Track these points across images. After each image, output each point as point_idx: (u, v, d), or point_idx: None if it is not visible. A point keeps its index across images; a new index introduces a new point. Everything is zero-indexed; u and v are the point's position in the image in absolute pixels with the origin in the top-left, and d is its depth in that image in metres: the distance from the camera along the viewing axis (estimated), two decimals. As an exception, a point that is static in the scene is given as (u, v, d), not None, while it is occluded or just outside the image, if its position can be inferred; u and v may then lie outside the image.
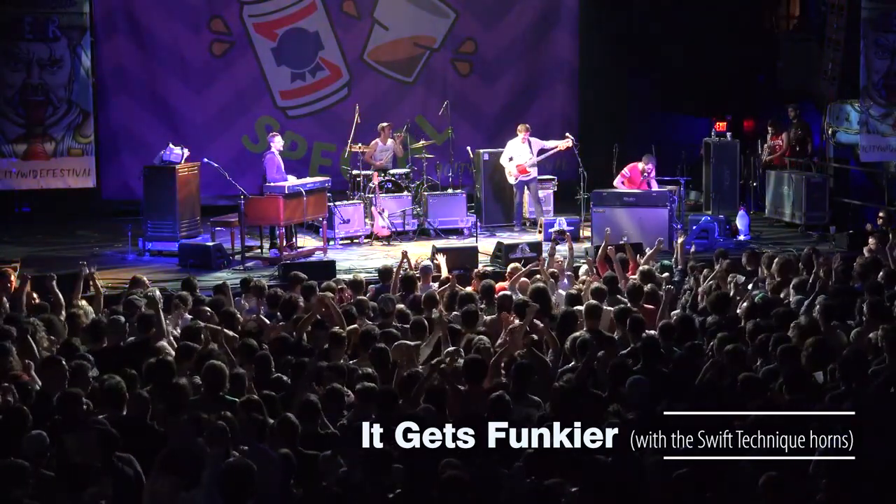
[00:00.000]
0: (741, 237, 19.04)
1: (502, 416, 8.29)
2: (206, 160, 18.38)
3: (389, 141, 20.24)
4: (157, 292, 12.21)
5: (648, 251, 14.94)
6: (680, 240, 15.21)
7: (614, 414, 8.41)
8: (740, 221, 19.30)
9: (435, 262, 14.66)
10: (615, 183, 18.82)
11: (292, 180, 18.05)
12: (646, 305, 12.04)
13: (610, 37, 23.28)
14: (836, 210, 20.14)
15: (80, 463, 7.67)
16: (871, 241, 15.48)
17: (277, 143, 18.48)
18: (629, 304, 11.93)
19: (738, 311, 11.86)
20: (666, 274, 14.07)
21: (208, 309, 11.84)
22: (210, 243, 17.47)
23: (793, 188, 20.22)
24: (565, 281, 13.87)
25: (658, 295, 12.23)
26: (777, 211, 20.53)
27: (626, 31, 23.43)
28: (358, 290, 13.09)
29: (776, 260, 13.63)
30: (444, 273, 14.23)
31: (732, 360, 9.63)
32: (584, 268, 14.48)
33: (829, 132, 21.36)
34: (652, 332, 10.85)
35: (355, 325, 11.30)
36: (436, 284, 13.39)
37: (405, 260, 14.54)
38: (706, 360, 9.93)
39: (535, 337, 10.48)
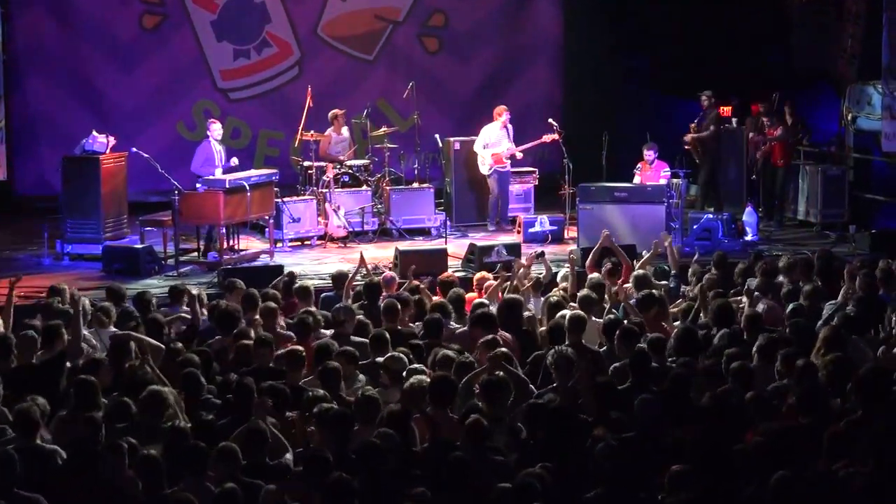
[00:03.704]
0: (748, 237, 19.07)
1: (479, 443, 8.33)
2: (134, 150, 18.24)
3: (345, 130, 20.18)
4: (87, 302, 12.16)
5: (645, 254, 14.91)
6: (666, 242, 15.08)
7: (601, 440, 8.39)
8: (747, 220, 19.32)
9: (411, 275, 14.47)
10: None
11: (218, 173, 17.90)
12: (652, 317, 12.09)
13: (599, 9, 23.26)
14: (856, 206, 20.20)
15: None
16: None
17: (215, 131, 18.41)
18: (632, 316, 11.94)
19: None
20: (664, 282, 14.06)
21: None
22: (139, 246, 17.36)
23: (807, 182, 20.28)
24: (540, 299, 13.73)
25: (664, 303, 12.29)
26: (788, 208, 20.59)
27: (617, 2, 23.42)
28: (306, 298, 13.02)
29: (781, 263, 13.68)
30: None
31: (738, 378, 9.62)
32: (563, 272, 14.44)
33: (849, 118, 21.33)
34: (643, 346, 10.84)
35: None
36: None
37: (363, 265, 14.51)
38: (709, 378, 9.89)
39: (506, 350, 10.46)
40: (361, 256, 14.83)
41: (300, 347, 10.75)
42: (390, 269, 15.66)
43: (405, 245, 17.76)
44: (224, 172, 17.96)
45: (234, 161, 18.32)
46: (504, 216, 20.01)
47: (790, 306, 12.22)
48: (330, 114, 20.11)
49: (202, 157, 18.20)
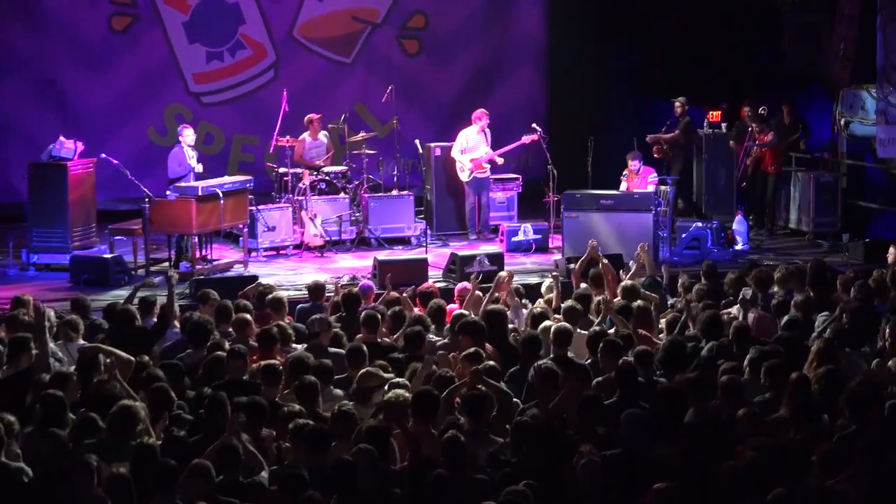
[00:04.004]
0: (739, 247, 19.11)
1: (459, 460, 8.31)
2: (103, 156, 18.21)
3: (322, 135, 20.17)
4: (52, 313, 12.13)
5: (632, 264, 14.92)
6: (640, 250, 15.03)
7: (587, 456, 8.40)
8: (737, 229, 19.37)
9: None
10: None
11: (194, 171, 17.90)
12: (639, 329, 12.12)
13: (584, 9, 23.32)
14: (849, 215, 20.24)
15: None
16: (891, 251, 15.56)
17: (187, 136, 18.35)
18: (621, 328, 11.97)
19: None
20: (654, 295, 14.04)
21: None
22: (108, 255, 17.33)
23: (799, 189, 20.32)
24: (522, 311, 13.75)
25: (649, 314, 12.33)
26: (780, 216, 20.64)
27: (603, 2, 23.46)
28: (279, 310, 13.00)
29: (776, 274, 13.72)
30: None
31: (729, 392, 9.64)
32: (547, 283, 14.46)
33: (842, 123, 21.35)
34: (629, 359, 10.86)
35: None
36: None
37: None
38: (697, 392, 9.91)
39: (494, 364, 10.46)
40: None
41: (276, 361, 10.73)
42: (368, 278, 15.64)
43: (384, 255, 17.76)
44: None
45: (199, 167, 18.27)
46: (486, 224, 20.02)
47: (784, 318, 12.26)
48: (305, 118, 20.06)
49: (175, 161, 18.14)
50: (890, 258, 15.39)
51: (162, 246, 18.17)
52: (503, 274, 14.45)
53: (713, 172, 21.03)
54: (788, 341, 11.04)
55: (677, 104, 20.83)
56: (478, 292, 13.50)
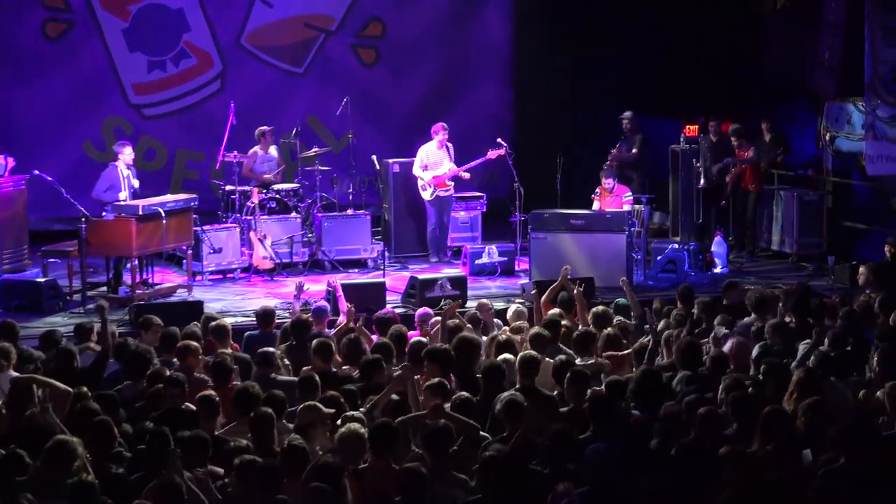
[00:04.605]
0: (717, 270, 19.18)
1: (417, 498, 8.27)
2: (36, 172, 18.16)
3: (273, 150, 20.16)
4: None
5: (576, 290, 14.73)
6: (623, 286, 14.99)
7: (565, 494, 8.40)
8: (716, 250, 19.43)
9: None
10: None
11: (123, 196, 17.85)
12: (614, 354, 12.18)
13: (554, 17, 23.42)
14: (835, 235, 20.36)
15: None
16: (862, 271, 15.66)
17: (126, 155, 18.15)
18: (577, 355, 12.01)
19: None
20: (620, 318, 14.03)
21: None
22: (41, 279, 17.28)
23: (781, 208, 20.41)
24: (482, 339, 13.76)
25: (621, 341, 12.38)
26: (761, 237, 20.73)
27: (572, 10, 23.54)
28: (223, 339, 12.96)
29: (748, 295, 13.79)
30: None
31: (706, 424, 9.67)
32: (513, 308, 14.49)
33: (827, 138, 21.46)
34: (599, 388, 10.88)
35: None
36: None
37: (297, 300, 14.57)
38: (673, 425, 9.94)
39: (465, 394, 10.47)
40: (299, 286, 14.85)
41: (213, 393, 10.69)
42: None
43: (339, 278, 17.74)
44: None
45: (135, 182, 18.15)
46: (443, 245, 20.04)
47: (756, 346, 12.29)
48: (257, 131, 20.08)
49: (106, 183, 17.91)
50: (861, 280, 15.50)
51: (99, 269, 18.12)
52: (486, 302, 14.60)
53: (690, 191, 20.94)
54: (768, 371, 11.06)
55: (625, 120, 20.95)
56: (454, 319, 13.46)
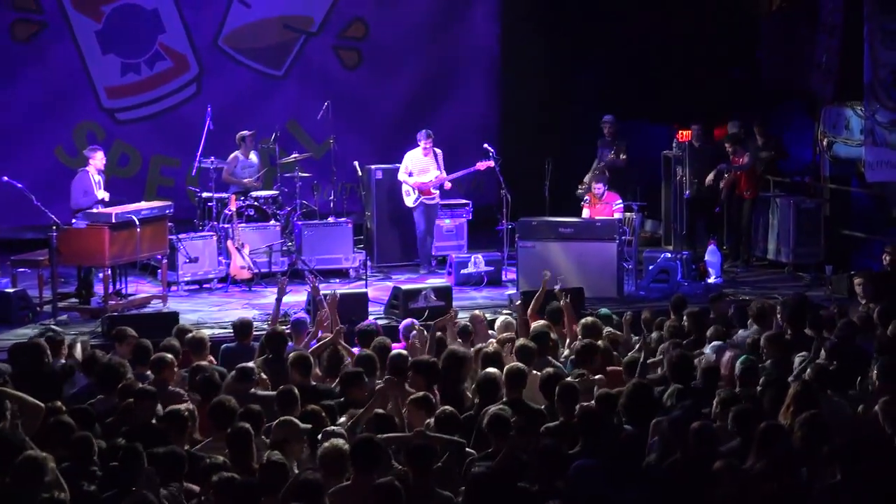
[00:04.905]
0: (711, 279, 19.18)
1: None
2: (5, 179, 18.10)
3: (253, 155, 20.17)
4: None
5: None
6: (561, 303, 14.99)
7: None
8: (710, 260, 19.43)
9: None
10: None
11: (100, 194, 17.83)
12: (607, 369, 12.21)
13: (542, 19, 23.42)
14: (833, 244, 20.36)
15: None
16: (857, 280, 15.69)
17: (97, 160, 18.19)
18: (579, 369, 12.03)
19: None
20: (609, 329, 14.05)
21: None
22: (10, 289, 17.28)
23: (777, 216, 20.42)
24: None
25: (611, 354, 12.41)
26: (756, 246, 20.74)
27: (562, 11, 23.56)
28: (200, 351, 12.95)
29: (750, 306, 13.81)
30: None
31: (699, 439, 9.68)
32: (501, 319, 14.50)
33: (825, 143, 21.44)
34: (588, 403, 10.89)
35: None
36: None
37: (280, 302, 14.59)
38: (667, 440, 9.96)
39: (450, 409, 10.47)
40: (282, 284, 14.86)
41: (182, 407, 10.66)
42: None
43: (320, 288, 17.73)
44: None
45: (105, 195, 18.11)
46: (429, 254, 20.04)
47: (741, 358, 12.28)
48: (238, 135, 20.11)
49: (80, 189, 17.97)
50: (858, 290, 15.53)
51: (71, 279, 18.11)
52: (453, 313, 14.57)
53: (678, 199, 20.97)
54: (767, 383, 11.09)
55: (607, 125, 20.96)
56: (438, 333, 13.46)
